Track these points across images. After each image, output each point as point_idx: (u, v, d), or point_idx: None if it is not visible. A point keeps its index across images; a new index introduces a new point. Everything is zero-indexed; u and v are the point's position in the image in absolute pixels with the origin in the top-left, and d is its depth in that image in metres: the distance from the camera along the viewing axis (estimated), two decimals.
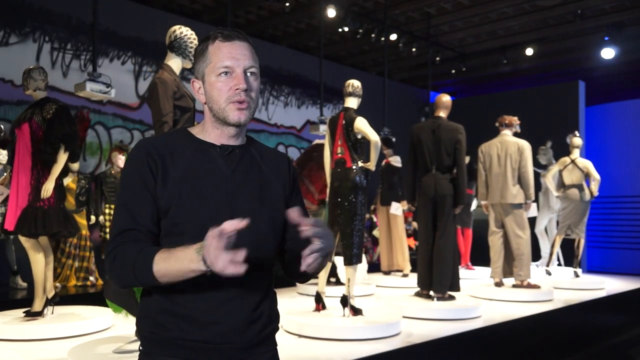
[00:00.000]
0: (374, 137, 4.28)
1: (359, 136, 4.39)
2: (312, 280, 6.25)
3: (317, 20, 8.40)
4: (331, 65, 9.74)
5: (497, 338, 4.56)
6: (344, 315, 4.26)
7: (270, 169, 1.48)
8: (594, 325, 6.03)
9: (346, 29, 8.48)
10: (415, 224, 9.19)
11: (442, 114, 5.27)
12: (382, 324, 4.07)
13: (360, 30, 8.63)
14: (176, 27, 3.50)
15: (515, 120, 6.19)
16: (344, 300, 4.26)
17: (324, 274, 4.56)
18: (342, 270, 5.88)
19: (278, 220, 1.44)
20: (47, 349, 3.58)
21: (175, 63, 3.45)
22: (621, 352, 5.76)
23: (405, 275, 7.12)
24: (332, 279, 6.18)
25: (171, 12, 8.03)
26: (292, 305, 5.10)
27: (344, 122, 4.42)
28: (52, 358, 3.41)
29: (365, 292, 5.92)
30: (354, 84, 4.57)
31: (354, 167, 4.35)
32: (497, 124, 6.25)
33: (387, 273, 7.30)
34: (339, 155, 4.42)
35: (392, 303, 5.06)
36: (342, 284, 5.98)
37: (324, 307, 4.47)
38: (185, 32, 3.45)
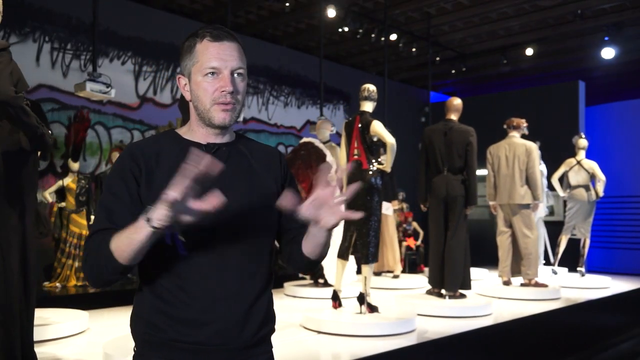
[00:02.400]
0: (390, 139, 4.49)
1: (375, 139, 4.60)
2: (299, 282, 6.28)
3: (317, 20, 8.41)
4: (331, 65, 9.80)
5: (508, 335, 4.76)
6: (360, 312, 4.44)
7: (260, 165, 1.47)
8: (601, 323, 6.20)
9: (346, 29, 8.53)
10: (415, 224, 9.17)
11: (454, 116, 5.47)
12: (399, 320, 4.28)
13: (360, 30, 8.68)
14: None
15: (523, 122, 6.40)
16: (361, 298, 4.45)
17: (340, 273, 4.74)
18: (330, 272, 5.92)
19: (271, 216, 1.44)
20: None
21: None
22: (627, 348, 5.95)
23: (396, 277, 7.14)
24: (321, 280, 6.15)
25: (171, 12, 8.07)
26: (289, 305, 5.28)
27: (360, 125, 4.62)
28: None
29: (354, 294, 5.86)
30: (370, 88, 4.77)
31: (370, 168, 4.54)
32: (505, 126, 6.46)
33: (377, 274, 7.28)
34: (356, 157, 4.63)
35: (406, 301, 5.26)
36: (330, 285, 6.05)
37: (340, 305, 4.66)
38: None
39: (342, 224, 6.13)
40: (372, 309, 4.44)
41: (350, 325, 4.13)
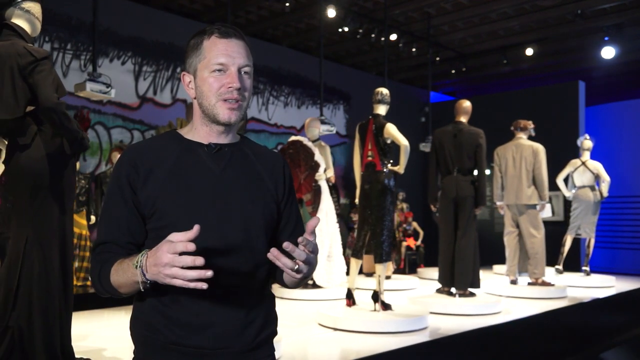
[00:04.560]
0: (404, 141, 4.77)
1: (389, 141, 4.87)
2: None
3: (317, 20, 8.62)
4: (331, 65, 10.04)
5: (517, 332, 5.02)
6: (374, 310, 4.71)
7: (263, 168, 1.50)
8: (606, 322, 6.48)
9: (346, 29, 8.74)
10: (415, 224, 9.44)
11: (463, 119, 5.76)
12: (412, 318, 4.54)
13: (360, 30, 8.91)
14: None
15: (529, 124, 6.69)
16: (375, 296, 4.71)
17: (354, 272, 4.97)
18: (319, 274, 6.11)
19: (271, 218, 1.47)
20: None
21: None
22: (633, 346, 6.23)
23: (387, 277, 7.25)
24: (310, 282, 6.32)
25: (171, 12, 8.24)
26: (292, 305, 5.47)
27: (374, 127, 4.90)
28: None
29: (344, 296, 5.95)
30: (383, 91, 5.03)
31: (383, 170, 4.82)
32: (512, 128, 6.75)
33: (368, 275, 7.29)
34: (369, 158, 4.91)
35: (417, 300, 5.53)
36: (318, 286, 6.23)
37: (354, 303, 4.92)
38: None
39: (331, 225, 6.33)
40: (386, 306, 4.70)
41: (365, 323, 4.39)
